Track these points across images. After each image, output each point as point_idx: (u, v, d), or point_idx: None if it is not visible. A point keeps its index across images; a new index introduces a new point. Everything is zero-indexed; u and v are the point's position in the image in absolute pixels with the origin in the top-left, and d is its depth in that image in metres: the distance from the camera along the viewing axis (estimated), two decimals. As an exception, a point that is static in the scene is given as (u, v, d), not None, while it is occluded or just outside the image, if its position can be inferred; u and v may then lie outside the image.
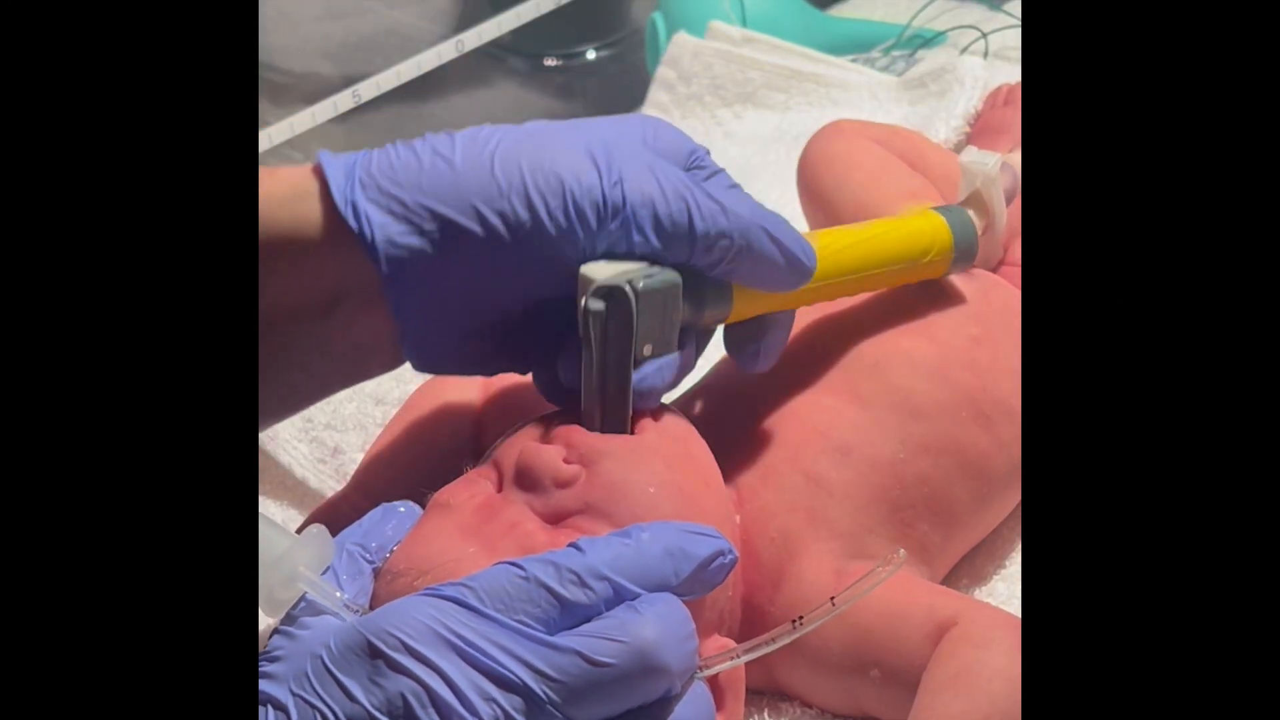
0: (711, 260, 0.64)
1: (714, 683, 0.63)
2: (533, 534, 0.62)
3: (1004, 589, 0.76)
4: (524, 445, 0.64)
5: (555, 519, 0.62)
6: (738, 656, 0.60)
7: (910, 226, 0.74)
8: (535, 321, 0.66)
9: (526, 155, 0.63)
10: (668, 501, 0.63)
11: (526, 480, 0.63)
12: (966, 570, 0.77)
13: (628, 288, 0.63)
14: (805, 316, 0.79)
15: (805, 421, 0.73)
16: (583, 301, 0.63)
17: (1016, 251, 0.86)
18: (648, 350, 0.64)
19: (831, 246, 0.70)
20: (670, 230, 0.63)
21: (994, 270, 0.83)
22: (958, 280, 0.79)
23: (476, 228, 0.62)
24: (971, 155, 0.81)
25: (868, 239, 0.72)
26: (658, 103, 1.24)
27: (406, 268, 0.63)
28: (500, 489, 0.65)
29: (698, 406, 0.74)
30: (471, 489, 0.65)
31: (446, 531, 0.63)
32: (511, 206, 0.62)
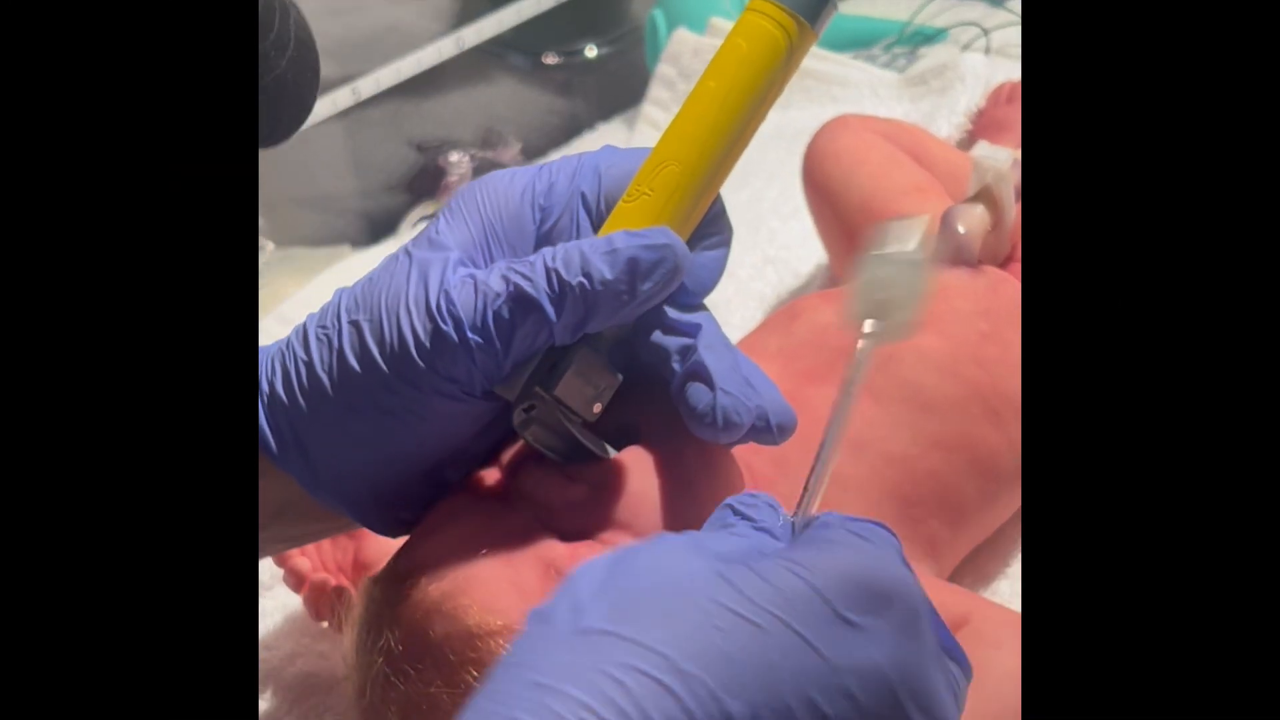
0: (589, 305, 0.60)
1: None
2: (551, 545, 0.61)
3: (1007, 588, 0.77)
4: (528, 473, 0.64)
5: (572, 536, 0.62)
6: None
7: (743, 55, 0.64)
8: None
9: (371, 332, 0.61)
10: (690, 504, 0.62)
11: (537, 506, 0.63)
12: (970, 569, 0.77)
13: (539, 398, 0.61)
14: (812, 307, 0.79)
15: (818, 413, 0.72)
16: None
17: (1028, 248, 0.86)
18: (597, 408, 0.62)
19: (688, 136, 0.63)
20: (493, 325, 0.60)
21: (1002, 266, 0.83)
22: (966, 276, 0.79)
23: (352, 421, 0.61)
24: (984, 150, 0.81)
25: (720, 107, 0.63)
26: (658, 100, 1.24)
27: (330, 479, 0.63)
28: (504, 491, 0.64)
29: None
30: (477, 494, 0.65)
31: (454, 539, 0.62)
32: (386, 394, 0.61)
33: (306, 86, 0.63)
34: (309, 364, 0.62)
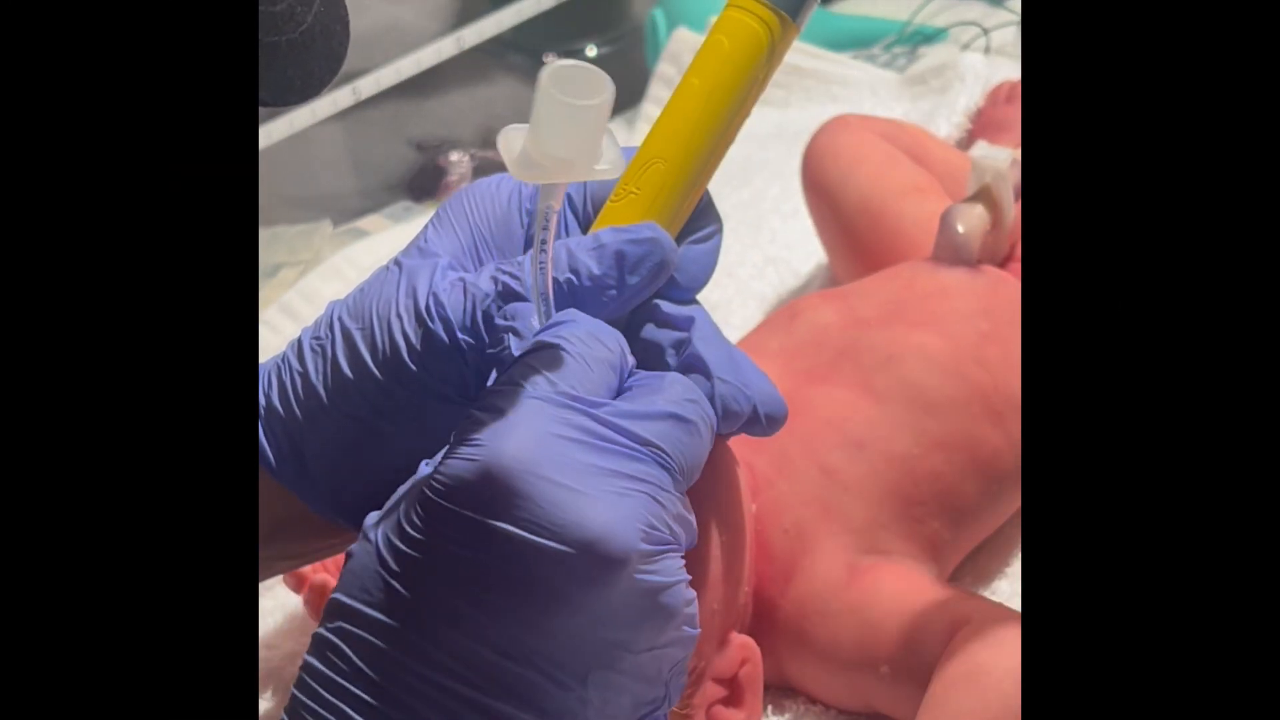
0: (578, 301, 0.60)
1: (734, 680, 0.62)
2: None
3: (1007, 588, 0.77)
4: None
5: None
6: None
7: (725, 51, 0.63)
8: None
9: (364, 339, 0.61)
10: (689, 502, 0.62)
11: None
12: (970, 569, 0.77)
13: None
14: (812, 307, 0.79)
15: (819, 413, 0.73)
16: None
17: (1028, 248, 0.86)
18: None
19: (674, 134, 0.63)
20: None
21: (1002, 266, 0.83)
22: (966, 276, 0.79)
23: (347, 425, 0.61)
24: (983, 150, 0.82)
25: (703, 104, 0.63)
26: (658, 99, 1.24)
27: (327, 490, 0.63)
28: None
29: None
30: None
31: None
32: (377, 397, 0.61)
33: (336, 38, 0.63)
34: (304, 375, 0.62)
